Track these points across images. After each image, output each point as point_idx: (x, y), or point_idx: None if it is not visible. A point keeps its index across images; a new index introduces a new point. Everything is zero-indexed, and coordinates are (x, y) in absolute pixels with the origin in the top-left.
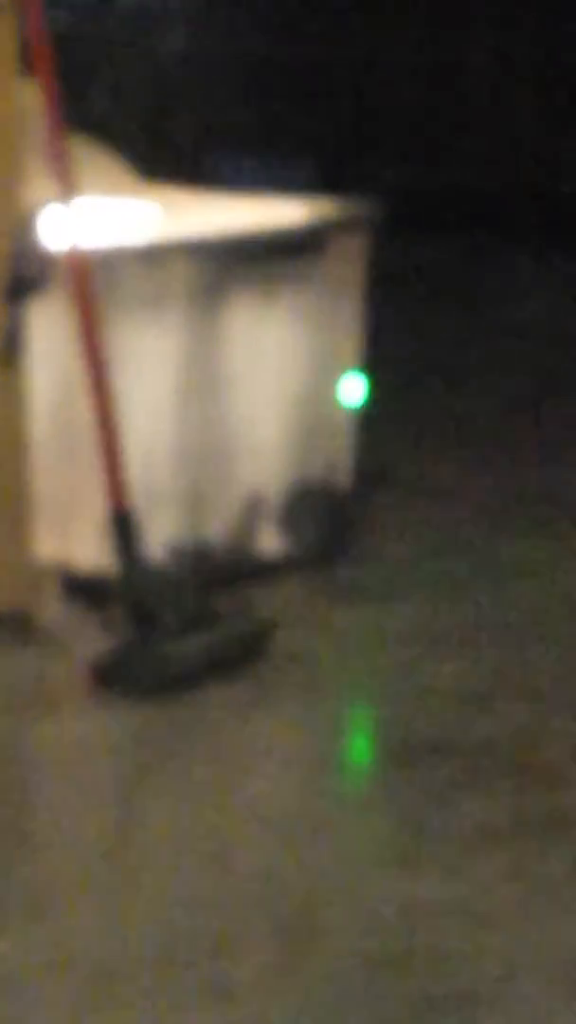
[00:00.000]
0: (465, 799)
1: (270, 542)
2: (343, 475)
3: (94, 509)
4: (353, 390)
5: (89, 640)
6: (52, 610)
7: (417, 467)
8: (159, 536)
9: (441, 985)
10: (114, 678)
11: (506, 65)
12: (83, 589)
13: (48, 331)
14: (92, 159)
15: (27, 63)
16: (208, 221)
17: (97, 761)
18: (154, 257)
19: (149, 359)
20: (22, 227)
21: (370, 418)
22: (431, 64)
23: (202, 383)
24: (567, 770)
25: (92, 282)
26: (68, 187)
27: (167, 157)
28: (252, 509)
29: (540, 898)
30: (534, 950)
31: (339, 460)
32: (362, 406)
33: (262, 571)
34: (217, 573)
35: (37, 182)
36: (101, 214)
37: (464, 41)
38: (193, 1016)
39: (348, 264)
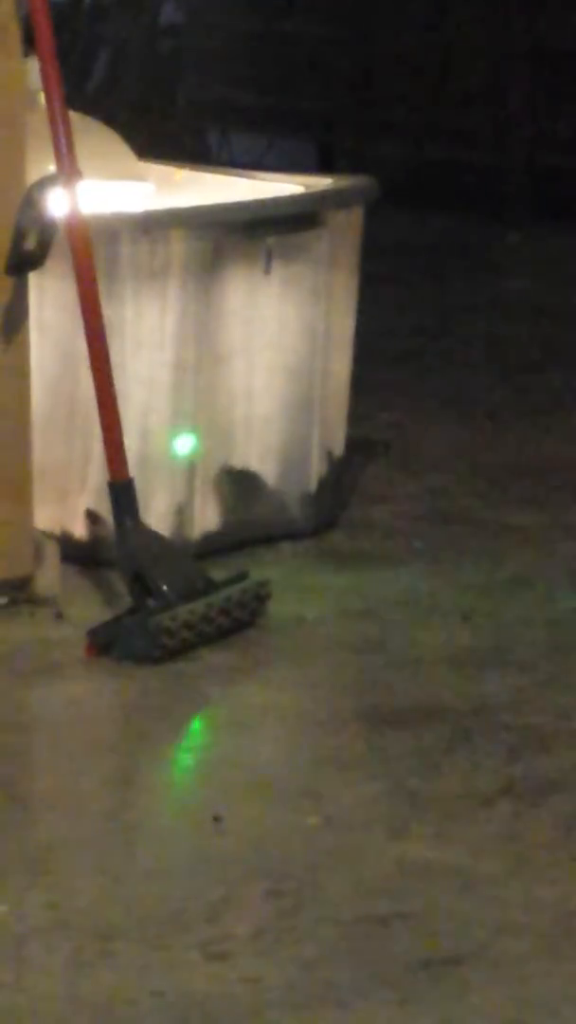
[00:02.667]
0: (455, 763)
1: (263, 512)
2: (337, 445)
3: (93, 479)
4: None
5: (87, 607)
6: (52, 578)
7: (410, 437)
8: (156, 506)
9: (431, 945)
10: (112, 645)
11: (500, 41)
12: (82, 558)
13: (48, 305)
14: (88, 137)
15: (28, 40)
16: (205, 197)
17: (95, 726)
18: (152, 230)
19: (147, 332)
20: (23, 202)
21: (363, 389)
22: (425, 40)
23: (199, 356)
24: (556, 736)
25: (92, 256)
26: (70, 164)
27: (165, 134)
28: (247, 480)
29: (528, 862)
30: (521, 913)
31: (333, 431)
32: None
33: (257, 539)
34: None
35: (40, 159)
36: (97, 192)
37: (458, 17)
38: (190, 976)
39: (344, 239)
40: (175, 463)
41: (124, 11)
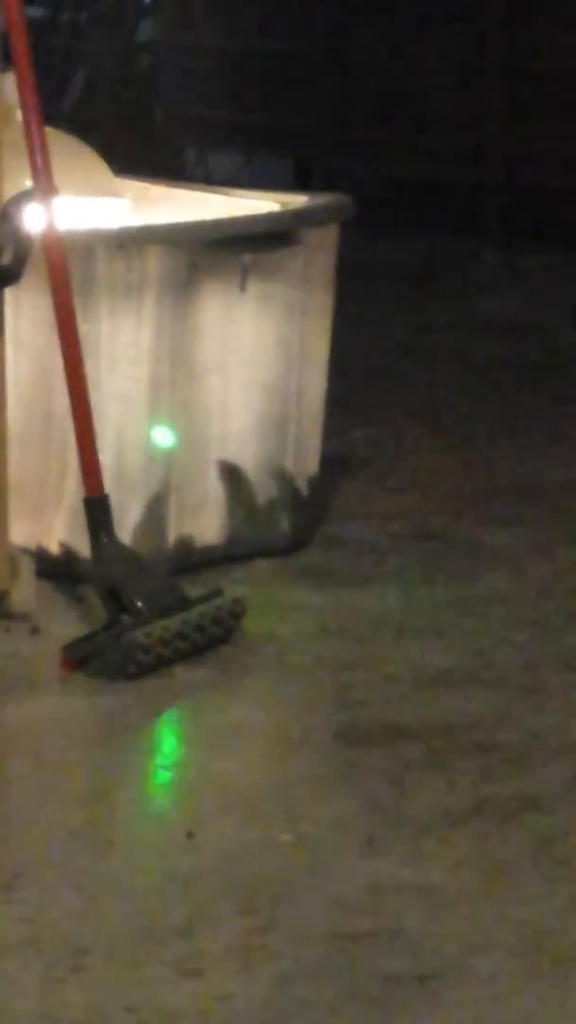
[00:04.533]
0: (428, 781)
1: (239, 528)
2: (312, 463)
3: (68, 494)
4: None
5: (62, 623)
6: (27, 593)
7: (384, 455)
8: (131, 522)
9: (404, 963)
10: (86, 661)
11: (477, 61)
12: (57, 573)
13: (24, 320)
14: (65, 153)
15: (5, 56)
16: (181, 213)
17: (69, 741)
18: (127, 246)
19: (123, 348)
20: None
21: (339, 407)
22: (403, 59)
23: (174, 373)
24: (529, 755)
25: (68, 272)
26: (46, 180)
27: (141, 150)
28: (222, 496)
29: (501, 880)
30: (494, 931)
31: (308, 448)
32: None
33: (231, 556)
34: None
35: (16, 174)
36: (73, 208)
37: (436, 37)
38: (163, 992)
39: (320, 257)
40: (151, 469)
41: (101, 28)
